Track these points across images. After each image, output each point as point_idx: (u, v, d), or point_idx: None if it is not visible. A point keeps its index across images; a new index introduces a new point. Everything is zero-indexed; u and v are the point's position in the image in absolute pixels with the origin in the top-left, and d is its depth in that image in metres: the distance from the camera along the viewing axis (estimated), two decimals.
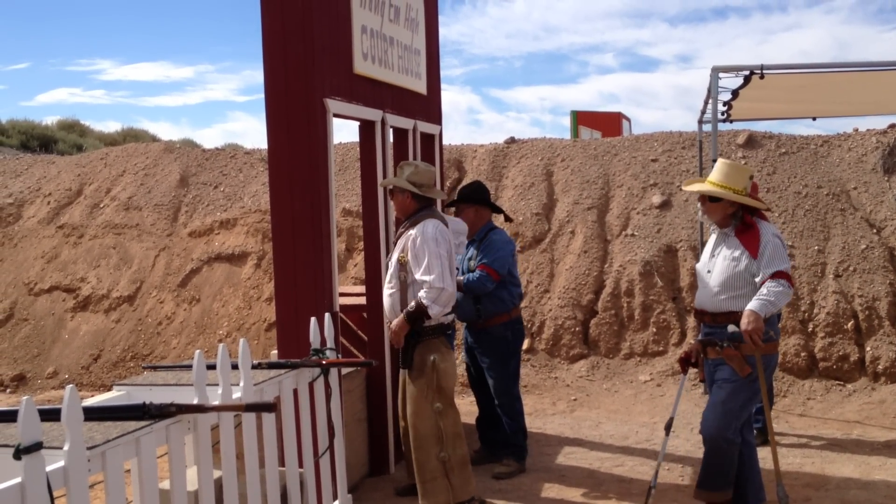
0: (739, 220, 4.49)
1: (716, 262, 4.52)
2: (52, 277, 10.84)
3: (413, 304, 4.84)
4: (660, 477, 5.72)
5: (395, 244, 5.13)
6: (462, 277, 5.74)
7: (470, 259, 5.86)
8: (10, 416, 2.83)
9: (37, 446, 2.37)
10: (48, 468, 2.44)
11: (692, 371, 4.83)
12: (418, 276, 4.85)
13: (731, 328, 4.34)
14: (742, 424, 4.54)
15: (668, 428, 4.76)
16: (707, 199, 4.55)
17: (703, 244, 8.49)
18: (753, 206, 4.49)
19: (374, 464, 5.80)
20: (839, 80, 5.65)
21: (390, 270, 5.02)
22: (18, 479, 2.36)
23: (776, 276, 4.27)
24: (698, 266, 4.73)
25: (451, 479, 4.93)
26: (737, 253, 4.43)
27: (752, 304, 4.23)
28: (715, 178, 4.52)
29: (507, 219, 6.28)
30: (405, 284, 4.93)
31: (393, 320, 5.01)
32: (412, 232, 4.94)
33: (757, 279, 4.34)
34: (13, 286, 10.87)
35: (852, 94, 6.47)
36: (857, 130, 10.46)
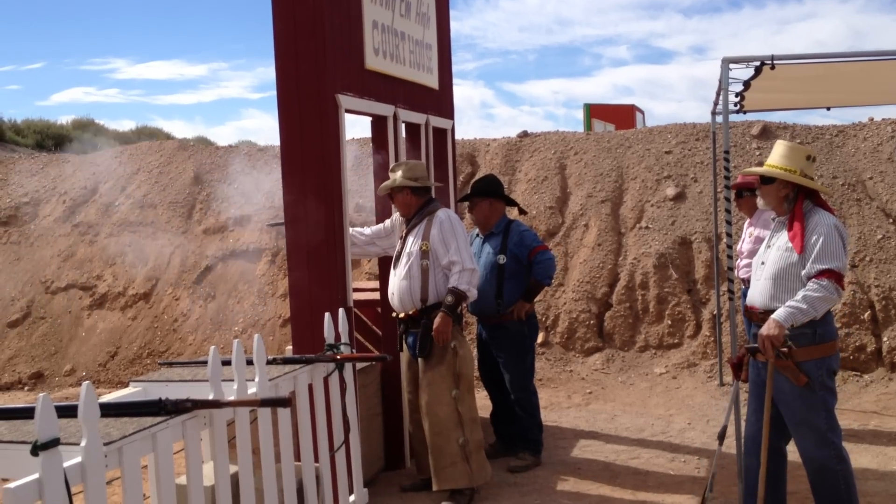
0: (791, 203, 4.07)
1: (770, 254, 4.10)
2: (69, 276, 10.91)
3: (450, 297, 4.88)
4: (675, 469, 5.72)
5: (402, 238, 5.15)
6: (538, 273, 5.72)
7: (498, 252, 5.76)
8: (27, 413, 2.86)
9: (54, 442, 2.39)
10: (65, 464, 2.46)
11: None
12: (448, 258, 4.91)
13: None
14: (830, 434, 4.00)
15: (721, 437, 4.41)
16: (762, 183, 4.18)
17: (717, 236, 8.45)
18: (806, 185, 4.04)
19: (390, 458, 5.81)
20: (854, 70, 5.59)
21: (408, 260, 5.04)
22: (36, 475, 2.38)
23: (823, 274, 3.81)
24: (754, 260, 4.29)
25: (470, 463, 4.97)
26: (791, 243, 3.99)
27: (778, 312, 3.84)
28: (770, 160, 4.15)
29: (522, 211, 6.25)
30: (426, 272, 4.96)
31: (406, 309, 5.03)
32: (438, 217, 4.99)
33: (803, 274, 3.90)
34: (30, 284, 10.96)
35: (867, 83, 6.40)
36: (872, 120, 10.38)
